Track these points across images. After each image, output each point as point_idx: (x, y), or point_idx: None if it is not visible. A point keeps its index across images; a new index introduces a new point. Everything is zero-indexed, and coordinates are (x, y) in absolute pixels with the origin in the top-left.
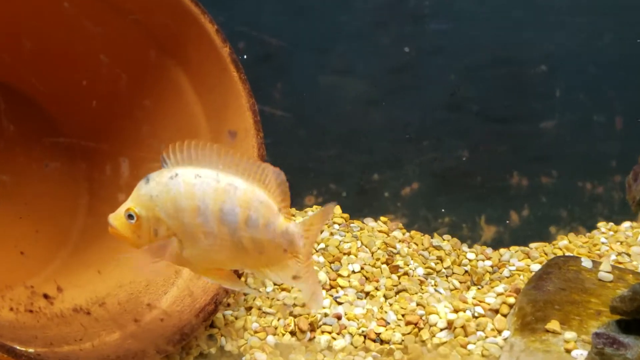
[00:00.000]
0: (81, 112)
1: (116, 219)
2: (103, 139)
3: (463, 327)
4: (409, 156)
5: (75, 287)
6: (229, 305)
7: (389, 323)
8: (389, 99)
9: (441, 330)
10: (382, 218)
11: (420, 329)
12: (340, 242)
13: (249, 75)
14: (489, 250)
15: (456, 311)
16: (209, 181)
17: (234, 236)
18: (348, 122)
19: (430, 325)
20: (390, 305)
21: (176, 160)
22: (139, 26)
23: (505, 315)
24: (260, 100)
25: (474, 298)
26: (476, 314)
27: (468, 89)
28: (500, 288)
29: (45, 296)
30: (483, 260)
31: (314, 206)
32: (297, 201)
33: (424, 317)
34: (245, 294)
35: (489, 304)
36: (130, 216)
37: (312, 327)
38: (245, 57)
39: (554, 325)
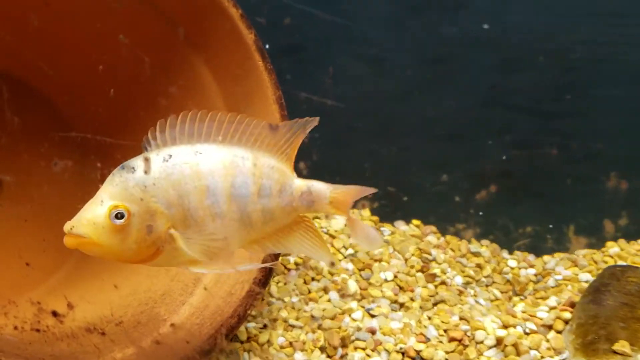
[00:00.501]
0: (95, 103)
1: (87, 224)
2: (120, 134)
3: (514, 345)
4: (445, 154)
5: (88, 302)
6: (252, 316)
7: (429, 339)
8: (423, 92)
9: (489, 348)
10: (414, 221)
11: (465, 346)
12: None
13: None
14: (531, 257)
15: (505, 327)
16: (213, 156)
17: (244, 212)
18: (378, 117)
19: (477, 342)
20: (429, 318)
21: (163, 141)
22: (155, 9)
23: (560, 332)
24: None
25: (523, 312)
26: (527, 330)
27: (510, 81)
28: (552, 301)
29: (54, 314)
30: (525, 268)
31: None
32: None
33: (468, 333)
34: (269, 305)
35: (541, 319)
36: (118, 215)
37: (344, 343)
38: (267, 46)
39: (622, 345)
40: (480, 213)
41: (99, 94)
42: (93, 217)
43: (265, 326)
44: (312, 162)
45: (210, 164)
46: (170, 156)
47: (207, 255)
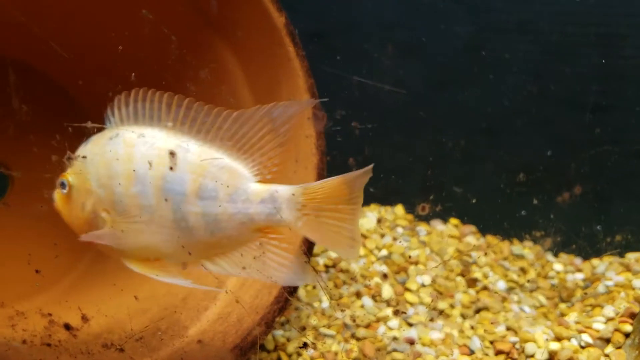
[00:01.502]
0: (113, 89)
1: (55, 190)
2: None
3: (570, 359)
4: (484, 149)
5: (104, 313)
6: (279, 323)
7: (473, 351)
8: (462, 82)
9: None
10: (452, 220)
11: None
12: (405, 248)
13: None
14: (578, 261)
15: (558, 339)
16: (154, 141)
17: (178, 212)
18: (412, 109)
19: (527, 356)
20: (472, 327)
21: (121, 117)
22: None
23: (619, 347)
24: None
25: (577, 322)
26: (583, 344)
27: (555, 71)
28: (609, 311)
29: (67, 327)
30: (573, 273)
31: (372, 204)
32: None
33: (517, 345)
34: (297, 310)
35: (597, 331)
36: (62, 184)
37: (380, 354)
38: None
39: None
40: (523, 212)
41: (117, 79)
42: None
43: (293, 333)
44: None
45: (145, 149)
46: (117, 135)
47: (137, 253)
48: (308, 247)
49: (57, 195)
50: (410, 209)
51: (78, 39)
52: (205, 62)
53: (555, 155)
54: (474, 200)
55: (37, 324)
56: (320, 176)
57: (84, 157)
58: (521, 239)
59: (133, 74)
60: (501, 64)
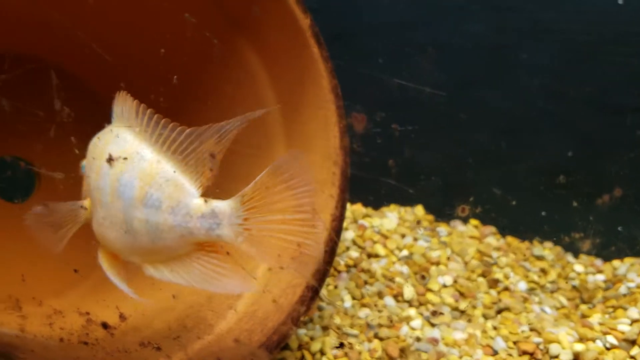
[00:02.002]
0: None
1: None
2: None
3: None
4: (505, 151)
5: (140, 314)
6: (303, 322)
7: (497, 352)
8: (483, 83)
9: None
10: (472, 221)
11: None
12: (426, 249)
13: None
14: (598, 262)
15: (582, 340)
16: (123, 143)
17: (126, 215)
18: (434, 109)
19: (552, 357)
20: (495, 328)
21: (116, 115)
22: None
23: None
24: None
25: (601, 324)
26: (608, 345)
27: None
28: (633, 312)
29: (105, 325)
30: (593, 274)
31: (391, 205)
32: (369, 199)
33: (541, 346)
34: (319, 310)
35: (622, 333)
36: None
37: (404, 354)
38: None
39: None
40: (543, 213)
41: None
42: None
43: (317, 332)
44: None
45: (114, 149)
46: (110, 131)
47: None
48: (331, 248)
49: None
50: (449, 211)
51: (115, 41)
52: (229, 63)
53: (592, 157)
54: (513, 202)
55: (75, 323)
56: (344, 176)
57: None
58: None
59: (175, 76)
60: (524, 66)
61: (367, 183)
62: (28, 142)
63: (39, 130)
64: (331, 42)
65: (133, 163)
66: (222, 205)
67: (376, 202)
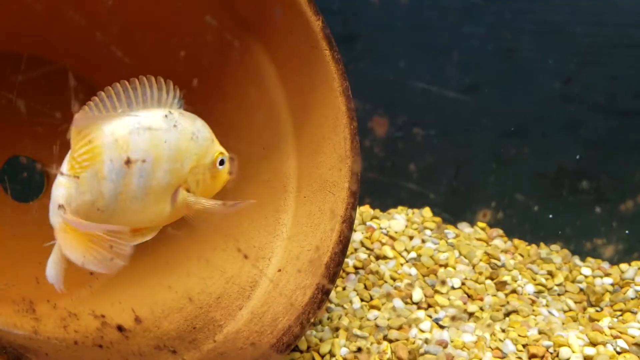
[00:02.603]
0: None
1: None
2: None
3: None
4: (513, 153)
5: (157, 316)
6: (312, 323)
7: (506, 355)
8: (491, 85)
9: None
10: (479, 223)
11: None
12: (434, 251)
13: None
14: (606, 265)
15: (593, 344)
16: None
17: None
18: (442, 112)
19: None
20: (504, 331)
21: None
22: None
23: None
24: None
25: (611, 328)
26: (619, 349)
27: (586, 75)
28: None
29: (120, 328)
30: (601, 277)
31: (399, 206)
32: (380, 201)
33: (551, 349)
34: (328, 311)
35: (633, 337)
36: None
37: (413, 356)
38: None
39: None
40: (551, 216)
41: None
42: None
43: (326, 333)
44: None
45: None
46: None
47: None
48: (341, 249)
49: None
50: (435, 212)
51: (135, 45)
52: (240, 64)
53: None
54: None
55: (90, 326)
56: (354, 178)
57: None
58: (548, 243)
59: (196, 79)
60: (536, 68)
61: (375, 186)
62: (43, 144)
63: (55, 133)
64: (348, 44)
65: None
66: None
67: (383, 205)
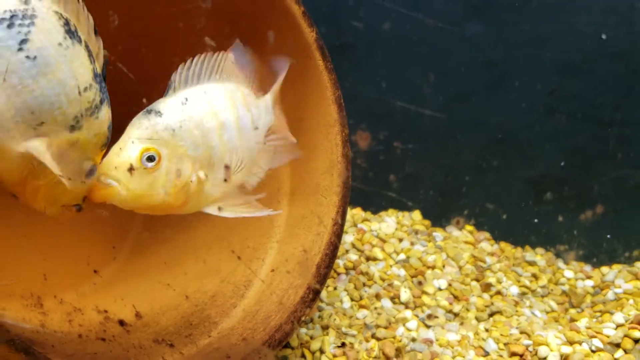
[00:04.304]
0: None
1: (118, 169)
2: None
3: None
4: (499, 160)
5: (156, 312)
6: (303, 322)
7: (488, 353)
8: (479, 95)
9: None
10: (467, 227)
11: None
12: (422, 253)
13: None
14: (587, 268)
15: (570, 343)
16: (218, 93)
17: (249, 143)
18: (431, 119)
19: (540, 359)
20: (487, 330)
21: (179, 83)
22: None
23: (628, 352)
24: None
25: (587, 327)
26: (594, 348)
27: (570, 86)
28: (619, 317)
29: (121, 323)
30: (583, 280)
31: (389, 209)
32: (370, 202)
33: (530, 348)
34: (319, 310)
35: (608, 336)
36: (150, 158)
37: (399, 353)
38: None
39: None
40: (536, 220)
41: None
42: (124, 161)
43: (317, 331)
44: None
45: (219, 101)
46: (187, 99)
47: (230, 192)
48: (332, 251)
49: (128, 174)
50: (425, 215)
51: (138, 61)
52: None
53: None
54: (504, 216)
55: (93, 320)
56: (345, 184)
57: (173, 129)
58: (534, 247)
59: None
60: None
61: (367, 193)
62: None
63: None
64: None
65: (237, 100)
66: (269, 98)
67: (374, 208)
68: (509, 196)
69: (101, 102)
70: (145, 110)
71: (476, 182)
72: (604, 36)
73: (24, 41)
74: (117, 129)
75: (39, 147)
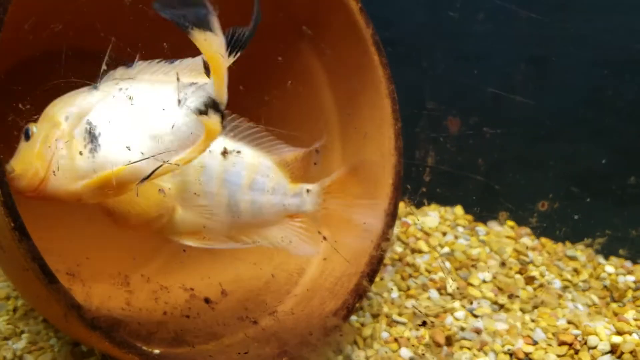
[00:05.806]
0: None
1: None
2: None
3: (632, 352)
4: (543, 156)
5: (239, 287)
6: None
7: (537, 342)
8: (524, 91)
9: (604, 354)
10: (508, 222)
11: (577, 351)
12: (466, 246)
13: None
14: (628, 264)
15: (620, 333)
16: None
17: (232, 199)
18: (475, 114)
19: (590, 348)
20: (534, 321)
21: None
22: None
23: None
24: None
25: (636, 319)
26: None
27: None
28: None
29: (207, 301)
30: (624, 275)
31: (432, 204)
32: (413, 198)
33: (579, 338)
34: (367, 298)
35: None
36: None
37: (449, 341)
38: None
39: None
40: (576, 217)
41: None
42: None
43: (367, 319)
44: None
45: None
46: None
47: (199, 228)
48: (385, 240)
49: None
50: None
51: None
52: (292, 67)
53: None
54: (545, 212)
55: (179, 298)
56: (397, 175)
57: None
58: (573, 242)
59: (240, 86)
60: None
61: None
62: None
63: None
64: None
65: (238, 157)
66: (309, 187)
67: (416, 202)
68: (550, 192)
69: None
70: None
71: (518, 177)
72: None
73: None
74: None
75: None
